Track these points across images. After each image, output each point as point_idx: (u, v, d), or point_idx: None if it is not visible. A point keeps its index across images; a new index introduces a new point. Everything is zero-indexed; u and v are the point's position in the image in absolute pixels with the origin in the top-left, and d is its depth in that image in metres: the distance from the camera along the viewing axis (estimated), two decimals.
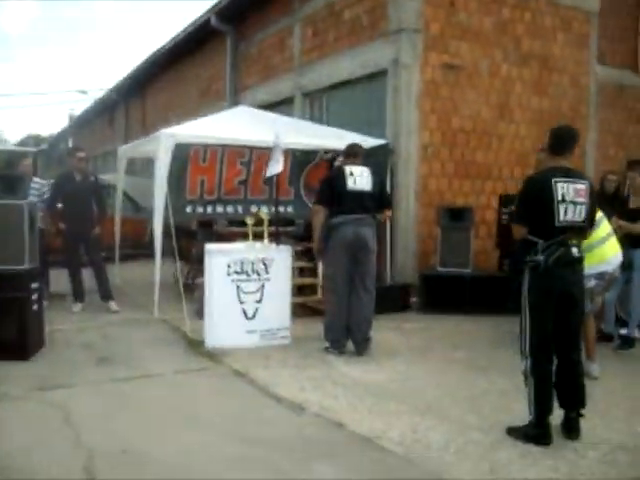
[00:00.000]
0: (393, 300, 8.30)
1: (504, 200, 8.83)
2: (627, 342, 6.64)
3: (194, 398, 4.88)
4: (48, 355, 5.91)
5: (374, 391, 5.11)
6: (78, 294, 7.89)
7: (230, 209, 8.28)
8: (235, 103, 13.61)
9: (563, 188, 4.16)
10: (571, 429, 4.24)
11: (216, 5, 12.97)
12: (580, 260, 4.28)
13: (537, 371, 4.21)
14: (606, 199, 6.88)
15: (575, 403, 4.28)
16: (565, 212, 4.16)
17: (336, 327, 6.16)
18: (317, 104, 11.02)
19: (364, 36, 9.50)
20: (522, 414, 4.28)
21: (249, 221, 6.44)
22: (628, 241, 6.53)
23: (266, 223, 6.52)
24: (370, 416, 4.57)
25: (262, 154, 8.24)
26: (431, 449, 4.04)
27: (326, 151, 8.48)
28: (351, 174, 6.06)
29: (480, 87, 9.35)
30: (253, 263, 6.31)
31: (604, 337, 6.66)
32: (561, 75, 10.04)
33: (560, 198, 4.14)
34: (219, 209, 8.18)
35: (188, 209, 7.91)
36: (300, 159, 8.48)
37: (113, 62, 69.49)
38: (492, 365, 5.99)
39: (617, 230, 6.55)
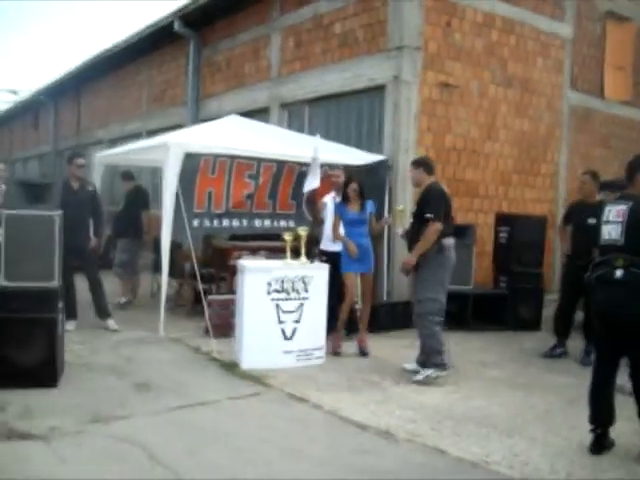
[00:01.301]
0: (394, 317, 8.24)
1: (500, 219, 9.02)
2: None
3: (270, 427, 4.59)
4: (75, 381, 5.39)
5: (445, 413, 5.03)
6: (71, 311, 7.30)
7: (236, 223, 7.95)
8: (196, 110, 13.23)
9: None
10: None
11: (181, 9, 12.51)
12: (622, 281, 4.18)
13: None
14: None
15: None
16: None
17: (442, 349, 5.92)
18: (297, 116, 10.84)
19: (358, 50, 9.43)
20: None
21: (287, 237, 6.19)
22: None
23: (304, 240, 6.28)
24: (461, 440, 4.48)
25: (268, 167, 8.01)
26: (541, 471, 4.01)
27: (330, 166, 8.31)
28: None
29: (470, 107, 9.51)
30: (293, 282, 6.07)
31: None
32: (539, 98, 10.40)
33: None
34: (225, 223, 7.83)
35: (195, 223, 7.52)
36: (305, 173, 8.26)
37: (50, 63, 65.36)
38: (532, 383, 6.04)
39: None
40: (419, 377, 5.87)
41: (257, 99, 11.53)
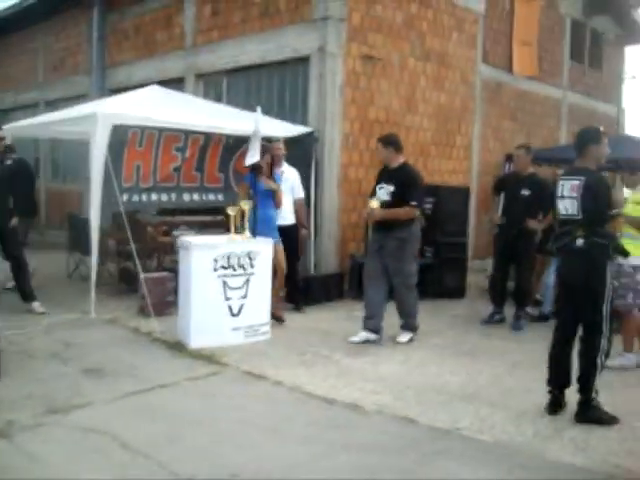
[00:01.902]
0: (327, 289, 8.29)
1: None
2: None
3: (240, 407, 4.49)
4: (17, 370, 5.01)
5: (404, 383, 5.13)
6: None
7: (164, 197, 7.66)
8: (102, 80, 12.57)
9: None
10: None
11: None
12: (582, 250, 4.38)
13: None
14: None
15: None
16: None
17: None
18: (214, 87, 10.53)
19: (281, 20, 9.26)
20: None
21: (231, 212, 6.03)
22: None
23: (247, 214, 6.14)
24: (427, 408, 4.58)
25: (196, 139, 7.77)
26: (510, 433, 4.19)
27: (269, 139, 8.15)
28: None
29: (392, 80, 9.59)
30: (239, 257, 5.93)
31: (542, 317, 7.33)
32: (455, 72, 10.65)
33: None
34: (154, 197, 7.52)
35: (124, 198, 7.17)
36: (231, 145, 8.08)
37: None
38: (475, 349, 6.27)
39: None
40: (404, 339, 6.37)
41: (170, 69, 11.09)
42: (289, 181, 7.34)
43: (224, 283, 5.85)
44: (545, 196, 7.11)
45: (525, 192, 7.07)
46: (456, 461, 3.78)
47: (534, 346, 6.35)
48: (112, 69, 12.48)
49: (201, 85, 10.67)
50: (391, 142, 6.42)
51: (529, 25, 12.03)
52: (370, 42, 9.20)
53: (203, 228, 7.99)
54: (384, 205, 6.20)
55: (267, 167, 6.74)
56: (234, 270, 5.90)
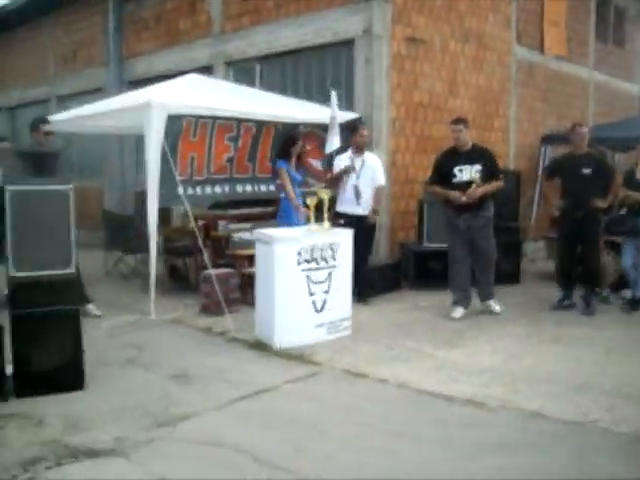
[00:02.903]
0: (386, 279, 8.02)
1: None
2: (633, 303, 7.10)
3: (355, 409, 4.22)
4: (99, 380, 4.67)
5: (508, 375, 4.89)
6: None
7: (218, 190, 7.32)
8: (119, 71, 12.18)
9: None
10: None
11: None
12: None
13: None
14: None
15: None
16: None
17: None
18: (245, 74, 10.17)
19: (317, 4, 8.94)
20: None
21: (310, 202, 5.73)
22: (636, 209, 6.98)
23: (326, 204, 5.85)
24: (548, 400, 4.35)
25: (248, 128, 7.45)
26: None
27: (305, 125, 7.87)
28: None
29: (434, 62, 9.31)
30: (322, 250, 5.64)
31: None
32: (492, 53, 10.38)
33: None
34: (208, 190, 7.18)
35: (180, 190, 6.82)
36: (281, 133, 7.76)
37: None
38: (558, 336, 6.03)
39: (625, 199, 6.99)
40: (499, 308, 6.94)
41: (196, 57, 10.72)
42: (370, 169, 7.13)
43: (308, 277, 5.56)
44: (608, 173, 6.92)
45: (586, 170, 6.81)
46: (609, 458, 3.54)
47: (615, 332, 6.19)
48: (130, 60, 12.08)
49: (231, 73, 10.32)
50: (466, 123, 6.66)
51: (558, 5, 11.78)
52: (414, 23, 8.91)
53: (255, 221, 7.68)
54: (476, 184, 6.54)
55: (295, 157, 6.84)
56: (317, 263, 5.61)
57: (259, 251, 5.63)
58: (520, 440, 3.76)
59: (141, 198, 11.05)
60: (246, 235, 7.40)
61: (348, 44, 8.69)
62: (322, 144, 8.04)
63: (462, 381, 4.74)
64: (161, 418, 4.02)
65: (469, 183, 6.59)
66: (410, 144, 9.07)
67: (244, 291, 6.96)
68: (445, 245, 8.06)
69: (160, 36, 11.47)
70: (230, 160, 7.36)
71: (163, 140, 6.39)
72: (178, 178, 6.72)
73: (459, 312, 6.75)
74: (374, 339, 5.84)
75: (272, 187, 7.82)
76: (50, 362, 4.39)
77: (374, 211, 7.25)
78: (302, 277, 5.53)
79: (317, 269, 5.61)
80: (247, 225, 7.49)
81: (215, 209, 7.69)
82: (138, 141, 11.61)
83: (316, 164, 8.16)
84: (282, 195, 6.92)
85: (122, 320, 6.45)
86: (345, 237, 5.86)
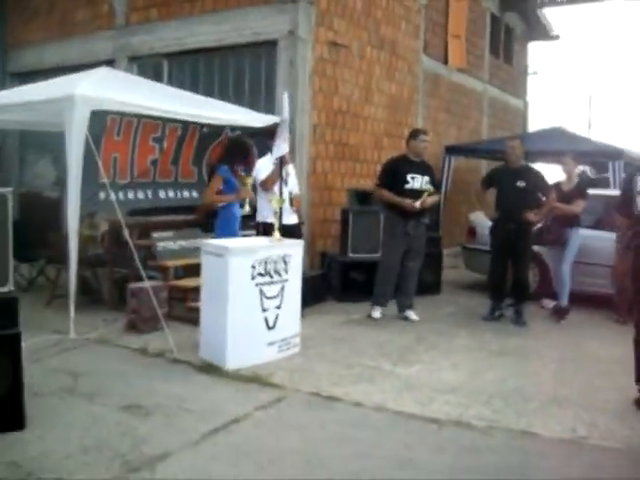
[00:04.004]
0: (313, 290, 7.71)
1: None
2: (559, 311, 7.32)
3: (343, 439, 3.87)
4: (40, 414, 4.00)
5: (479, 392, 4.79)
6: None
7: (141, 195, 6.68)
8: (2, 63, 11.02)
9: None
10: None
11: None
12: None
13: None
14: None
15: None
16: None
17: None
18: (151, 71, 9.49)
19: (238, 1, 8.51)
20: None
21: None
22: (564, 221, 7.19)
23: (278, 214, 5.46)
24: (531, 418, 4.28)
25: (174, 129, 6.89)
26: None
27: (232, 128, 7.42)
28: None
29: (353, 68, 9.18)
30: (276, 262, 5.24)
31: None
32: (403, 62, 10.43)
33: None
34: (130, 196, 6.53)
35: (101, 195, 6.15)
36: (205, 135, 7.26)
37: None
38: (507, 349, 6.04)
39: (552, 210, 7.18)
40: (417, 317, 7.02)
41: (95, 50, 9.87)
42: (292, 176, 6.80)
43: (261, 292, 5.14)
44: (542, 187, 7.07)
45: (521, 184, 6.93)
46: (614, 473, 3.50)
47: (556, 342, 6.32)
48: (16, 51, 10.93)
49: (135, 69, 9.58)
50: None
51: (459, 18, 12.10)
52: (335, 28, 8.72)
53: (176, 229, 7.13)
54: (428, 194, 6.78)
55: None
56: (271, 277, 5.21)
57: (208, 264, 5.14)
58: (526, 464, 3.62)
59: (27, 200, 10.08)
60: (170, 244, 6.84)
61: (270, 45, 8.34)
62: None
63: (439, 401, 4.55)
64: (133, 460, 3.46)
65: (420, 192, 6.79)
66: (329, 151, 8.87)
67: (170, 305, 6.42)
68: (369, 255, 8.00)
69: (53, 26, 10.46)
70: (154, 163, 6.76)
71: (86, 138, 5.72)
72: (101, 181, 6.07)
73: (379, 313, 7.03)
74: (326, 357, 5.53)
75: (195, 194, 7.29)
76: None
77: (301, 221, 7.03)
78: (256, 292, 5.11)
79: (271, 283, 5.21)
80: (171, 234, 6.91)
81: (134, 215, 7.03)
82: (23, 136, 10.59)
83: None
84: (220, 205, 6.40)
85: (38, 341, 5.64)
86: (296, 249, 5.51)
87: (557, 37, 16.43)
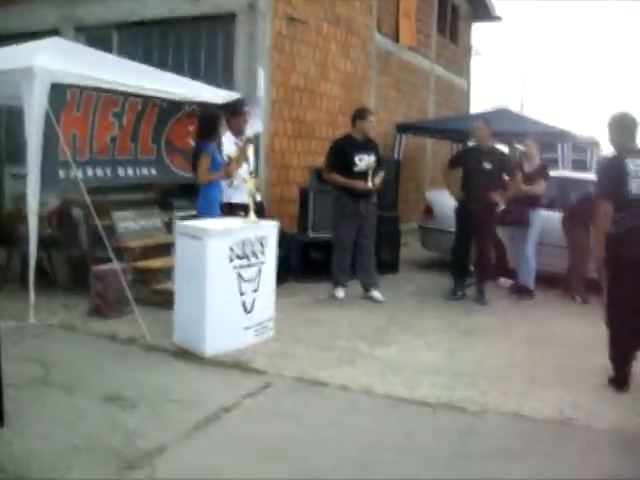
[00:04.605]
0: (278, 272, 7.56)
1: None
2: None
3: (339, 425, 3.83)
4: (14, 410, 3.74)
5: (461, 373, 4.83)
6: None
7: (100, 173, 6.33)
8: None
9: None
10: None
11: None
12: None
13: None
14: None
15: None
16: None
17: None
18: (100, 43, 9.01)
19: None
20: None
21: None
22: (526, 202, 7.31)
23: (254, 193, 5.31)
24: (519, 400, 4.34)
25: (133, 103, 6.58)
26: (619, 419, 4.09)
27: (190, 103, 7.17)
28: None
29: (309, 44, 9.03)
30: (253, 244, 5.11)
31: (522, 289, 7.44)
32: (357, 40, 10.33)
33: None
34: (89, 173, 6.18)
35: (61, 174, 5.81)
36: (165, 111, 6.97)
37: None
38: (475, 328, 6.13)
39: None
40: (382, 297, 7.02)
41: (38, 20, 9.31)
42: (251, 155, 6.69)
43: (239, 275, 5.00)
44: (508, 168, 7.16)
45: (487, 165, 7.00)
46: (614, 456, 3.59)
47: (519, 321, 6.46)
48: None
49: (82, 40, 9.11)
50: None
51: None
52: (293, 3, 8.52)
53: (136, 207, 6.87)
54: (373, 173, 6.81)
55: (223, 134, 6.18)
56: (248, 259, 5.07)
57: (183, 246, 4.95)
58: (528, 446, 3.66)
59: None
60: (131, 224, 6.58)
61: (228, 18, 8.08)
62: None
63: (424, 383, 4.56)
64: (129, 457, 3.30)
65: (366, 172, 6.80)
66: (287, 128, 8.72)
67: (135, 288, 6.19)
68: (328, 234, 7.94)
69: None
70: (113, 139, 6.44)
71: (45, 113, 5.40)
72: (61, 159, 5.76)
73: (342, 292, 7.05)
74: (302, 340, 5.46)
75: (154, 171, 7.03)
76: None
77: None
78: (234, 275, 4.97)
79: (248, 266, 5.08)
80: (131, 213, 6.65)
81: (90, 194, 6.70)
82: None
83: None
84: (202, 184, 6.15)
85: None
86: (272, 230, 5.38)
87: (499, 18, 16.68)
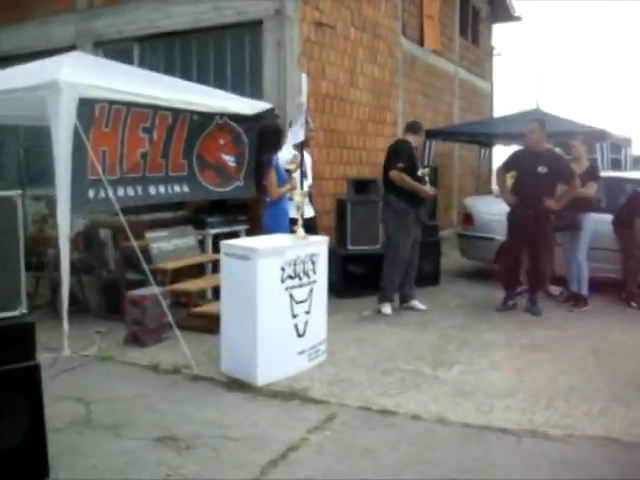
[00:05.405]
0: None
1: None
2: None
3: (429, 463, 3.42)
4: (57, 457, 3.37)
5: (532, 393, 4.43)
6: None
7: (131, 192, 5.97)
8: None
9: None
10: None
11: None
12: None
13: None
14: None
15: None
16: None
17: None
18: (120, 57, 8.71)
19: None
20: None
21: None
22: (577, 205, 6.89)
23: (302, 208, 4.95)
24: (604, 421, 3.92)
25: (164, 117, 6.22)
26: None
27: (221, 115, 6.83)
28: None
29: (338, 50, 8.67)
30: (305, 263, 4.73)
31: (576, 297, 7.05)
32: (384, 44, 9.98)
33: None
34: (120, 193, 5.83)
35: (91, 194, 5.47)
36: (196, 124, 6.62)
37: None
38: (538, 343, 5.70)
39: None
40: (424, 307, 6.87)
41: (55, 35, 9.03)
42: (309, 168, 6.39)
43: (291, 297, 4.62)
44: (565, 173, 6.74)
45: (542, 169, 6.60)
46: None
47: (583, 331, 6.05)
48: None
49: (101, 54, 8.80)
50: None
51: None
52: (321, 7, 8.18)
53: (169, 227, 6.53)
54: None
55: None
56: (300, 279, 4.69)
57: (229, 267, 4.57)
58: (627, 474, 3.27)
59: None
60: (165, 244, 6.23)
61: (254, 25, 7.74)
62: (235, 138, 7.08)
63: (499, 407, 4.18)
64: None
65: (423, 178, 6.71)
66: (319, 138, 8.33)
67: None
68: (369, 247, 7.60)
69: (4, 7, 9.54)
70: (144, 156, 6.09)
71: (73, 130, 5.08)
72: (90, 178, 5.43)
73: (389, 308, 6.73)
74: (357, 362, 5.07)
75: (186, 188, 6.68)
76: None
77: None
78: (286, 297, 4.58)
79: (300, 286, 4.70)
80: (164, 233, 6.30)
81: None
82: None
83: (229, 160, 7.13)
84: (268, 199, 5.86)
85: None
86: (322, 246, 5.00)
87: (519, 18, 16.31)
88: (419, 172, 6.60)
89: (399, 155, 6.59)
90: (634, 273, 7.06)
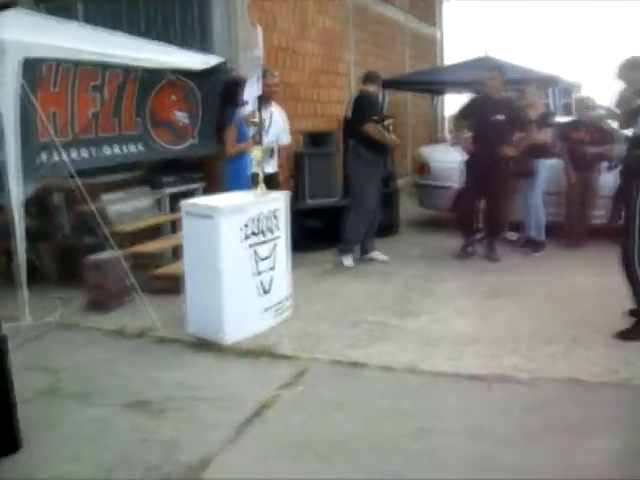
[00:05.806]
0: None
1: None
2: None
3: (408, 413, 3.46)
4: (28, 426, 3.31)
5: (505, 339, 4.51)
6: None
7: (85, 154, 5.78)
8: None
9: None
10: None
11: None
12: None
13: None
14: None
15: None
16: None
17: None
18: (62, 13, 8.30)
19: None
20: None
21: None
22: (532, 151, 6.98)
23: (262, 163, 4.87)
24: (566, 363, 4.06)
25: (114, 74, 6.00)
26: None
27: (172, 71, 6.62)
28: None
29: (288, 1, 8.45)
30: (267, 219, 4.68)
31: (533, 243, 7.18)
32: None
33: None
34: (74, 155, 5.62)
35: (43, 157, 5.27)
36: (147, 81, 6.41)
37: None
38: (497, 289, 5.81)
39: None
40: (386, 257, 6.88)
41: None
42: (279, 125, 6.35)
43: (255, 253, 4.58)
44: (521, 120, 6.79)
45: (499, 117, 6.64)
46: None
47: (540, 276, 6.19)
48: None
49: (43, 11, 8.36)
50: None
51: None
52: None
53: (124, 189, 6.37)
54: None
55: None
56: (263, 236, 4.65)
57: (191, 226, 4.50)
58: (593, 415, 3.37)
59: None
60: (122, 206, 6.10)
61: None
62: (187, 94, 6.90)
63: (468, 354, 4.26)
64: (173, 473, 2.92)
65: (387, 127, 6.58)
66: None
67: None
68: (326, 200, 7.58)
69: None
70: (95, 116, 5.89)
71: (19, 92, 4.86)
72: (40, 141, 5.23)
73: (351, 260, 6.75)
74: (324, 316, 5.10)
75: (141, 147, 6.50)
76: None
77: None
78: (250, 254, 4.55)
79: (264, 242, 4.66)
80: (121, 195, 6.15)
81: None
82: None
83: (182, 117, 6.96)
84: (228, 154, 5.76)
85: None
86: (283, 201, 4.96)
87: None
88: (385, 122, 6.50)
89: (370, 107, 6.55)
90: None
